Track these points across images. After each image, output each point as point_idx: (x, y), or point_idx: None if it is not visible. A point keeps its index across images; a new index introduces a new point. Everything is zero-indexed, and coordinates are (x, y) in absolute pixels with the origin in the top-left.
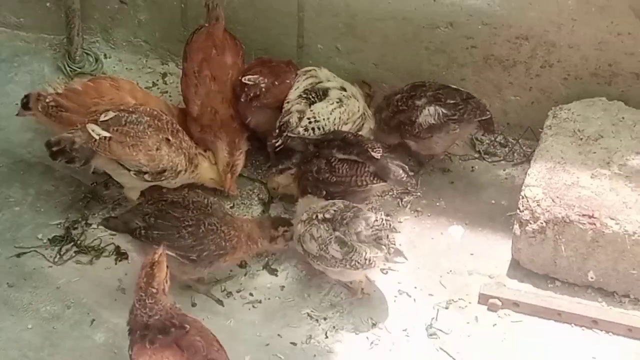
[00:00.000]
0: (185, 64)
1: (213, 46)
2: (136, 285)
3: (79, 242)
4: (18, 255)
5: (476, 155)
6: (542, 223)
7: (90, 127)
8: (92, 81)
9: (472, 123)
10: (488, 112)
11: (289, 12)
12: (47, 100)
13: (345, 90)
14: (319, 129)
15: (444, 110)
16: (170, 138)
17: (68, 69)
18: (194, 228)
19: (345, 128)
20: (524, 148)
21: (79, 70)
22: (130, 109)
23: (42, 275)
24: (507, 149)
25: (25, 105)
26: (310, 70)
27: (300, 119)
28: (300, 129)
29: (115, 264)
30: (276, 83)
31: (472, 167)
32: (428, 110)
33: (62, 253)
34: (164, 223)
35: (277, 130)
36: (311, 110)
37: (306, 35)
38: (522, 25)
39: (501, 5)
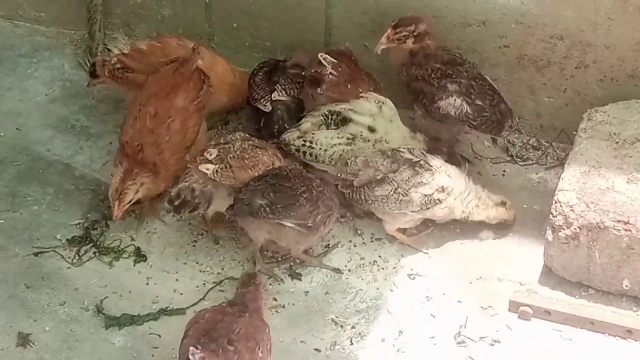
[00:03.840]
0: (140, 91)
1: (171, 84)
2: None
3: (98, 243)
4: (36, 255)
5: (508, 158)
6: (575, 229)
7: (203, 167)
8: (159, 41)
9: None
10: (502, 136)
11: (316, 8)
12: (113, 62)
13: (372, 131)
14: (310, 155)
15: (468, 110)
16: (274, 151)
17: (89, 65)
18: (308, 194)
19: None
20: (557, 151)
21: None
22: (227, 139)
23: (61, 276)
24: (540, 152)
25: (93, 73)
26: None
27: (299, 137)
28: (292, 147)
29: (134, 265)
30: (349, 86)
31: (504, 171)
32: (455, 100)
33: (81, 254)
34: (283, 195)
35: (276, 128)
36: (312, 134)
37: (334, 32)
38: (557, 25)
39: (535, 3)
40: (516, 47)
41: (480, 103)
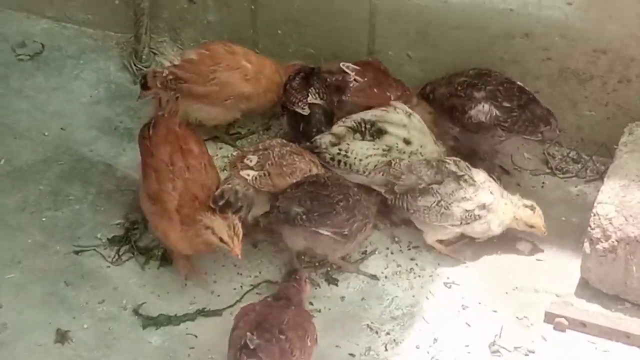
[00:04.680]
0: (150, 159)
1: (177, 138)
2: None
3: (133, 243)
4: (77, 253)
5: (547, 170)
6: (613, 242)
7: (244, 173)
8: (206, 48)
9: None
10: (539, 135)
11: (361, 17)
12: (165, 74)
13: (408, 144)
14: (345, 164)
15: (497, 113)
16: (311, 157)
17: (134, 67)
18: (344, 202)
19: (380, 178)
20: (597, 165)
21: (145, 69)
22: (267, 145)
23: (100, 275)
24: (579, 165)
25: (144, 85)
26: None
27: (333, 144)
28: (327, 156)
29: (158, 269)
30: (375, 90)
31: (543, 183)
32: (483, 106)
33: (120, 254)
34: (320, 203)
35: (311, 143)
36: (347, 144)
37: (377, 41)
38: (600, 38)
39: (580, 17)
40: (559, 60)
41: (508, 104)
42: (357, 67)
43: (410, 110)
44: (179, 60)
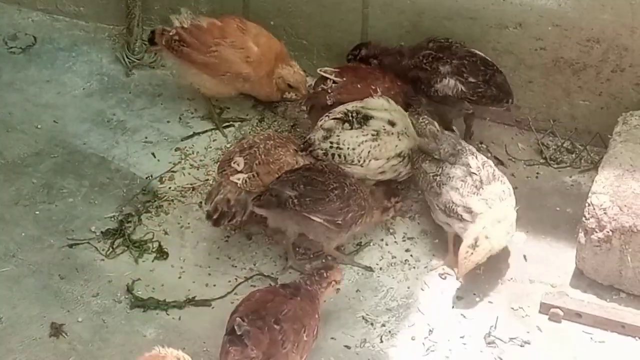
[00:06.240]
0: None
1: None
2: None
3: (126, 236)
4: (70, 246)
5: (542, 160)
6: (608, 232)
7: (235, 178)
8: (221, 20)
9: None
10: (506, 104)
11: (353, 8)
12: (171, 33)
13: (393, 125)
14: (339, 157)
15: (463, 88)
16: (295, 147)
17: (127, 60)
18: (339, 190)
19: (375, 164)
20: (591, 155)
21: (138, 61)
22: (251, 143)
23: (94, 268)
24: (574, 155)
25: (152, 40)
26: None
27: (325, 138)
28: (320, 151)
29: (152, 261)
30: (358, 86)
31: (537, 173)
32: (449, 81)
33: (114, 247)
34: (313, 189)
35: (304, 143)
36: (337, 135)
37: (370, 32)
38: (593, 28)
39: (573, 6)
40: (552, 50)
41: (473, 80)
42: (335, 70)
43: (387, 98)
44: (189, 23)
